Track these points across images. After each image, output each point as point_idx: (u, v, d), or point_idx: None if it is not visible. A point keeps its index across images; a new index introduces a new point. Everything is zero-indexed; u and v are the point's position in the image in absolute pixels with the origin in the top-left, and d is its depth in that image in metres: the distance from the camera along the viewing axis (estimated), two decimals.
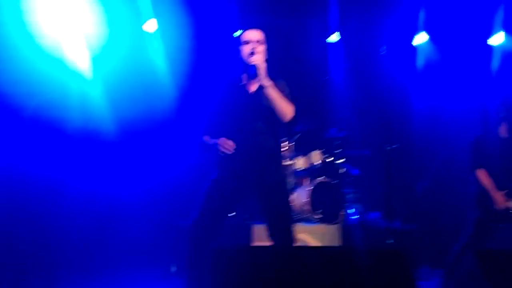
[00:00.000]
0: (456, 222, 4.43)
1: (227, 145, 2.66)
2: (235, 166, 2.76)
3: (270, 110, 2.71)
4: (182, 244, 2.91)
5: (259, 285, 1.58)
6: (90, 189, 4.50)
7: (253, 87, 2.82)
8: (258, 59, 2.66)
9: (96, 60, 4.62)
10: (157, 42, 5.26)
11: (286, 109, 2.68)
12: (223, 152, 2.66)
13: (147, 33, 5.18)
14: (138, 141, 4.87)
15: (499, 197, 3.37)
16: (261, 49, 2.73)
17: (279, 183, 2.82)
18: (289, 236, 2.77)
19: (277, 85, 2.75)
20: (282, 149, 2.96)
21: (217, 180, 2.79)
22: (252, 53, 2.68)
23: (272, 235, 2.78)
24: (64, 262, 4.09)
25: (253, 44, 2.72)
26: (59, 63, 4.37)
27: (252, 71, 2.67)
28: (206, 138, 2.82)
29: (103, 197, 4.55)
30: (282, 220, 2.77)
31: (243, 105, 2.77)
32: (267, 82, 2.66)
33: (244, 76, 2.83)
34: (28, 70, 4.03)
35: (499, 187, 3.40)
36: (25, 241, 4.07)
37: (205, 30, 5.44)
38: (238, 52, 2.79)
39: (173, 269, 4.49)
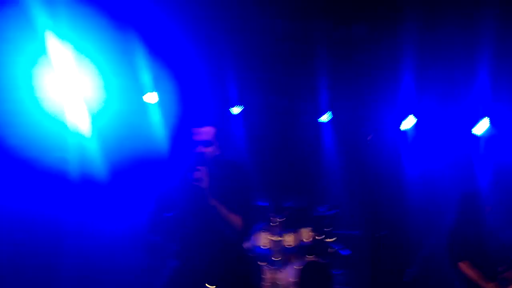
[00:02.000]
0: None
1: (203, 175, 2.51)
2: (192, 259, 2.64)
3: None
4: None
5: None
6: (85, 231, 4.69)
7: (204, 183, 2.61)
8: (200, 181, 2.52)
9: (95, 120, 5.01)
10: (156, 113, 5.49)
11: (232, 224, 2.58)
12: (196, 181, 2.50)
13: (146, 103, 5.42)
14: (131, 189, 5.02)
15: (489, 286, 3.30)
16: (209, 150, 2.64)
17: (240, 284, 2.64)
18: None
19: (232, 170, 2.68)
20: (241, 242, 2.73)
21: (177, 270, 2.65)
22: (196, 165, 2.55)
23: None
24: None
25: (200, 147, 2.64)
26: (61, 123, 4.79)
27: (196, 190, 2.54)
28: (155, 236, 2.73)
29: (98, 236, 4.73)
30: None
31: (198, 206, 2.60)
32: (210, 202, 2.54)
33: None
34: (35, 127, 4.54)
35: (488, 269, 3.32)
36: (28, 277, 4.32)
37: (202, 105, 5.65)
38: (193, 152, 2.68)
39: None
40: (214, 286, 2.54)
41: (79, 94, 4.79)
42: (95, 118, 4.97)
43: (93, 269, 4.73)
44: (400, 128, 5.89)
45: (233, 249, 2.68)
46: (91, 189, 4.93)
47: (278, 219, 5.08)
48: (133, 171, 5.07)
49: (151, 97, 5.43)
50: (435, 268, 4.70)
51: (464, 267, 3.35)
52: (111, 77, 5.02)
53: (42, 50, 4.32)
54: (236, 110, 5.87)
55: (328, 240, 5.15)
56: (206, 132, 2.67)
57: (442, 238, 4.83)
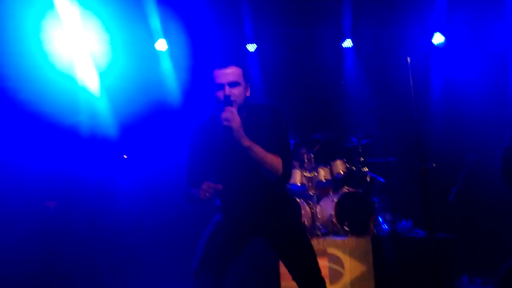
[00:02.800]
0: (493, 228, 4.23)
1: (210, 189, 2.28)
2: (235, 210, 2.50)
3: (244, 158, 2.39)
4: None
5: None
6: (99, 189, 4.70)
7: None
8: (229, 117, 2.28)
9: (104, 75, 4.93)
10: (166, 61, 5.31)
11: (272, 168, 2.35)
12: (206, 197, 2.29)
13: (157, 51, 5.25)
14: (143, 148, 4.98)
15: None
16: (237, 92, 2.38)
17: (288, 225, 2.49)
18: (318, 280, 2.47)
19: (264, 112, 2.46)
20: (283, 189, 2.56)
21: (221, 223, 2.52)
22: (224, 106, 2.32)
23: (299, 284, 2.49)
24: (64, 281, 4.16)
25: (227, 89, 2.37)
26: (71, 78, 4.77)
27: (227, 133, 2.29)
28: (193, 190, 2.45)
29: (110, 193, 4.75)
30: (306, 271, 2.46)
31: (232, 149, 2.39)
32: (245, 143, 2.30)
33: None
34: (45, 82, 4.54)
35: None
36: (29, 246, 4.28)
37: (216, 45, 5.40)
38: (215, 98, 2.43)
39: None
40: None
41: (86, 48, 4.72)
42: (105, 72, 4.88)
43: (103, 226, 4.64)
44: (432, 42, 5.52)
45: (276, 193, 2.50)
46: (103, 145, 4.85)
47: (310, 154, 4.95)
48: (145, 125, 4.94)
49: (162, 44, 5.23)
50: (479, 184, 4.54)
51: None
52: (119, 29, 4.89)
53: (50, 5, 4.27)
54: (251, 47, 5.59)
55: (363, 169, 5.01)
56: (231, 72, 2.40)
57: (484, 152, 4.67)
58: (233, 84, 2.38)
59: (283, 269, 3.96)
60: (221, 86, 2.38)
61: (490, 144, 4.73)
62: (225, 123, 2.28)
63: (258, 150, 2.33)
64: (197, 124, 2.57)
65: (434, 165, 3.33)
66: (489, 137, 4.76)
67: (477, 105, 5.20)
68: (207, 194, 2.29)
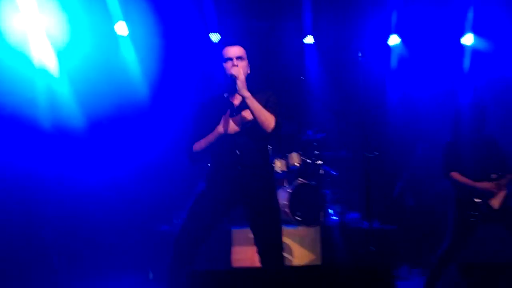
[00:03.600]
0: (435, 221, 4.51)
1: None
2: (219, 180, 2.74)
3: (254, 123, 2.72)
4: (161, 250, 2.85)
5: None
6: (62, 187, 4.44)
7: (236, 101, 2.83)
8: (237, 71, 2.72)
9: (63, 58, 4.68)
10: (128, 44, 5.23)
11: (266, 120, 2.69)
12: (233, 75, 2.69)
13: (118, 35, 5.15)
14: (111, 140, 4.82)
15: (484, 185, 3.34)
16: (242, 64, 2.80)
17: (267, 198, 2.76)
18: (279, 256, 2.73)
19: (262, 95, 2.79)
20: (268, 162, 2.89)
21: (202, 194, 2.76)
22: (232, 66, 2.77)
23: (261, 253, 2.73)
24: (37, 267, 3.98)
25: (234, 60, 2.79)
26: (27, 61, 4.45)
27: (231, 83, 2.71)
28: (196, 145, 2.79)
29: (77, 198, 4.48)
30: (272, 240, 2.72)
31: (225, 123, 2.74)
32: (245, 93, 2.69)
33: (228, 90, 2.86)
34: None
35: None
36: None
37: (179, 33, 5.39)
38: (221, 68, 2.85)
39: (151, 276, 4.39)
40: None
41: (43, 30, 4.52)
42: (63, 56, 4.69)
43: (69, 240, 4.41)
44: (388, 43, 5.75)
45: (264, 165, 2.79)
46: (64, 135, 4.58)
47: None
48: (109, 112, 4.75)
49: (122, 28, 5.15)
50: (422, 180, 4.82)
51: (455, 175, 3.41)
52: (77, 9, 4.73)
53: None
54: (214, 37, 5.62)
55: (317, 162, 5.20)
56: (238, 49, 2.82)
57: (430, 149, 4.95)
58: (239, 58, 2.80)
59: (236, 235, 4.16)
60: (230, 59, 2.79)
61: (437, 139, 5.05)
62: (232, 72, 2.70)
63: (256, 103, 2.70)
64: (205, 99, 2.96)
65: (377, 153, 3.54)
66: (437, 134, 5.08)
67: (430, 103, 5.47)
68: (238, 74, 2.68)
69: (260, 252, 2.73)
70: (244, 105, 2.74)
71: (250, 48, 2.97)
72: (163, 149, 4.98)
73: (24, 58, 4.46)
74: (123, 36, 5.20)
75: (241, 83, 2.69)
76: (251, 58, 2.90)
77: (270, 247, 2.71)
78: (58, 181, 4.53)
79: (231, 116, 2.75)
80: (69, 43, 4.77)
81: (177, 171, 4.91)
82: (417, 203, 4.69)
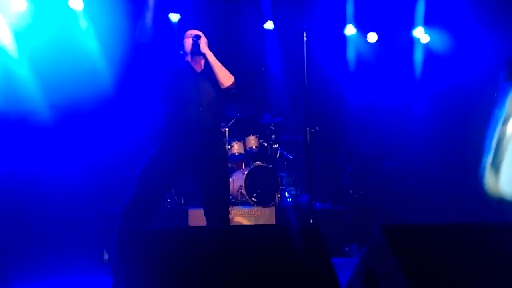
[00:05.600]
0: (381, 202, 4.78)
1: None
2: (176, 141, 2.79)
3: (213, 90, 2.87)
4: (114, 231, 2.83)
5: (181, 265, 1.47)
6: (15, 173, 4.26)
7: (198, 67, 2.94)
8: (199, 33, 2.91)
9: (21, 38, 4.45)
10: (84, 20, 5.08)
11: (225, 75, 2.87)
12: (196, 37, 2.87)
13: (74, 10, 4.99)
14: (69, 124, 4.69)
15: None
16: (201, 42, 2.93)
17: (220, 161, 2.87)
18: (225, 216, 2.81)
19: None
20: (222, 130, 3.04)
21: (157, 155, 2.78)
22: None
23: (207, 214, 2.80)
24: None
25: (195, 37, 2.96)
26: None
27: (195, 44, 2.87)
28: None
29: (30, 182, 4.33)
30: (219, 198, 2.80)
31: (187, 83, 2.86)
32: (208, 51, 2.88)
33: (188, 58, 2.97)
34: None
35: None
36: None
37: (136, 9, 5.29)
38: (181, 45, 3.00)
39: (106, 257, 4.38)
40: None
41: None
42: (22, 37, 4.47)
43: (23, 224, 4.22)
44: (344, 33, 5.91)
45: (218, 130, 2.94)
46: (24, 126, 4.35)
47: (225, 128, 5.15)
48: (71, 96, 4.51)
49: (76, 2, 4.98)
50: (369, 166, 5.05)
51: None
52: None
53: None
54: (174, 17, 5.57)
55: (273, 146, 5.33)
56: (196, 30, 2.99)
57: (378, 137, 5.20)
58: (199, 36, 2.95)
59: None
60: (189, 36, 2.96)
61: (387, 128, 5.30)
62: (195, 33, 2.90)
63: (216, 60, 2.88)
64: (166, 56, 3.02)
65: (317, 128, 3.71)
66: (388, 120, 5.33)
67: (383, 91, 5.70)
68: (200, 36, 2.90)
69: (207, 215, 2.80)
70: (204, 72, 2.89)
71: (210, 30, 3.07)
72: (124, 134, 4.93)
73: None
74: (78, 11, 5.04)
75: (203, 42, 2.87)
76: (211, 41, 2.99)
77: (219, 210, 2.78)
78: (11, 168, 4.34)
79: (192, 81, 2.86)
80: (26, 21, 4.54)
81: (136, 157, 4.86)
82: (365, 187, 4.94)
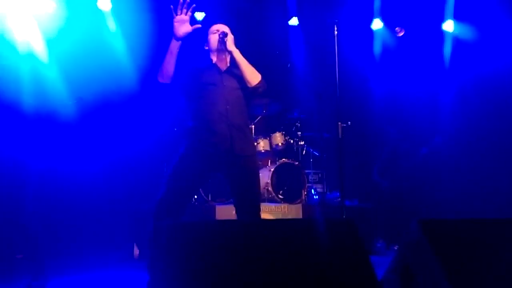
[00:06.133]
0: (409, 200, 4.70)
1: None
2: (204, 140, 2.77)
3: (239, 88, 2.84)
4: (144, 228, 2.86)
5: (220, 258, 1.50)
6: (49, 172, 4.38)
7: (223, 64, 2.91)
8: (226, 29, 2.87)
9: (51, 41, 4.51)
10: (113, 21, 5.16)
11: (252, 73, 2.82)
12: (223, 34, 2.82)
13: (102, 11, 5.09)
14: (97, 123, 4.78)
15: None
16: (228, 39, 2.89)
17: (249, 156, 2.83)
18: (257, 213, 2.79)
19: None
20: (249, 127, 3.01)
21: (186, 154, 2.77)
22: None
23: (239, 212, 2.78)
24: (22, 246, 3.96)
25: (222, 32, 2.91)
26: (10, 45, 4.26)
27: (221, 41, 2.83)
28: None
29: (63, 180, 4.45)
30: (250, 195, 2.77)
31: (213, 81, 2.84)
32: (234, 48, 2.83)
33: (213, 55, 2.94)
34: None
35: None
36: None
37: (162, 8, 5.36)
38: (206, 41, 2.97)
39: (136, 252, 4.46)
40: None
41: (29, 9, 4.32)
42: (51, 38, 4.55)
43: (53, 221, 4.28)
44: (371, 28, 5.84)
45: (246, 127, 2.89)
46: (52, 125, 4.35)
47: (251, 126, 5.16)
48: (103, 106, 4.67)
49: (105, 3, 5.07)
50: (397, 162, 4.98)
51: None
52: None
53: None
54: (199, 15, 5.62)
55: (299, 143, 5.31)
56: (224, 25, 2.96)
57: (407, 134, 5.11)
58: (225, 34, 2.88)
59: None
60: (217, 30, 2.92)
61: (415, 124, 5.21)
62: (222, 30, 2.86)
63: (243, 58, 2.82)
64: (192, 56, 2.98)
65: (349, 123, 3.64)
66: (416, 117, 5.23)
67: (410, 86, 5.61)
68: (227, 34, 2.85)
69: (238, 213, 2.77)
70: (230, 69, 2.86)
71: (235, 28, 3.05)
72: (151, 131, 5.00)
73: (6, 42, 4.26)
74: (106, 12, 5.14)
75: (230, 40, 2.82)
76: (236, 38, 2.96)
77: (250, 208, 2.75)
78: (45, 167, 4.45)
79: (218, 80, 2.85)
80: (56, 26, 4.63)
81: (164, 155, 4.92)
82: (393, 184, 4.87)
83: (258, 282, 1.37)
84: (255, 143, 5.06)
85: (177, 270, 1.38)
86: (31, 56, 4.30)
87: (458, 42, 5.65)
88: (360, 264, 1.43)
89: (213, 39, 2.89)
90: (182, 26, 2.76)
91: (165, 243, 1.40)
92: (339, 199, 4.45)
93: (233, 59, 2.86)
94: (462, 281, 1.30)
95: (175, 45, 2.75)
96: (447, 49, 5.67)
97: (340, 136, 3.53)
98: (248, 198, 2.77)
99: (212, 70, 2.88)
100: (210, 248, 1.44)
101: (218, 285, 1.35)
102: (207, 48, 2.97)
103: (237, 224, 1.78)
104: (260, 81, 2.83)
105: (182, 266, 1.40)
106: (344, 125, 3.57)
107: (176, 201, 2.67)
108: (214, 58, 2.93)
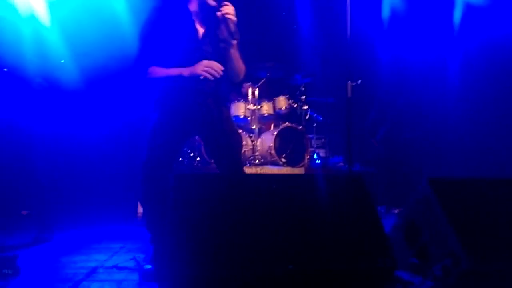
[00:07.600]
0: (414, 166, 4.72)
1: (215, 67, 2.51)
2: (178, 105, 2.63)
3: (216, 55, 2.63)
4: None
5: (222, 210, 1.50)
6: (55, 133, 4.41)
7: (201, 31, 2.67)
8: (231, 10, 2.49)
9: (53, 4, 4.41)
10: None
11: (240, 70, 2.63)
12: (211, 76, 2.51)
13: None
14: (101, 86, 4.75)
15: None
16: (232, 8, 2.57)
17: (225, 122, 2.68)
18: (239, 169, 2.66)
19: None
20: (225, 94, 2.85)
21: (160, 119, 2.63)
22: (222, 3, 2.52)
23: (219, 167, 2.67)
24: (31, 204, 4.03)
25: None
26: (12, 8, 4.15)
27: (223, 22, 2.50)
28: (153, 71, 2.62)
29: (69, 140, 4.48)
30: (230, 155, 2.65)
31: (190, 48, 2.62)
32: (233, 40, 2.55)
33: (195, 20, 2.67)
34: None
35: None
36: None
37: None
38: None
39: (140, 210, 4.53)
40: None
41: None
42: (53, 1, 4.41)
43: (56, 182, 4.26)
44: None
45: (217, 98, 2.69)
46: (54, 91, 4.35)
47: (255, 89, 5.11)
48: (104, 71, 4.51)
49: None
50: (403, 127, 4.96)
51: None
52: None
53: None
54: None
55: (303, 107, 5.28)
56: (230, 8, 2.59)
57: (413, 99, 5.07)
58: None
59: None
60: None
61: (421, 91, 5.15)
62: (226, 11, 2.48)
63: (237, 52, 2.57)
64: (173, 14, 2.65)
65: (359, 81, 3.55)
66: (422, 85, 5.17)
67: (418, 53, 5.51)
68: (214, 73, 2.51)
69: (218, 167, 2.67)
70: (208, 37, 2.61)
71: None
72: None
73: (8, 4, 4.14)
74: None
75: (233, 26, 2.49)
76: (239, 2, 2.76)
77: (231, 167, 2.62)
78: (51, 129, 4.46)
79: (195, 46, 2.59)
80: None
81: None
82: (396, 148, 4.86)
83: (264, 233, 1.38)
84: (259, 106, 5.03)
85: (183, 220, 1.39)
86: (33, 18, 4.23)
87: (468, 7, 5.50)
88: (368, 216, 1.45)
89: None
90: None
91: (174, 192, 1.40)
92: (341, 163, 4.45)
93: (211, 28, 2.61)
94: (469, 234, 1.31)
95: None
96: (457, 14, 5.54)
97: (349, 95, 3.45)
98: (230, 159, 2.65)
99: (190, 36, 2.62)
100: (216, 199, 1.45)
101: (222, 234, 1.36)
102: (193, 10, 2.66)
103: (243, 177, 1.78)
104: (242, 78, 2.67)
105: (187, 216, 1.41)
106: (354, 84, 3.49)
107: (160, 163, 2.56)
108: (195, 22, 2.65)
